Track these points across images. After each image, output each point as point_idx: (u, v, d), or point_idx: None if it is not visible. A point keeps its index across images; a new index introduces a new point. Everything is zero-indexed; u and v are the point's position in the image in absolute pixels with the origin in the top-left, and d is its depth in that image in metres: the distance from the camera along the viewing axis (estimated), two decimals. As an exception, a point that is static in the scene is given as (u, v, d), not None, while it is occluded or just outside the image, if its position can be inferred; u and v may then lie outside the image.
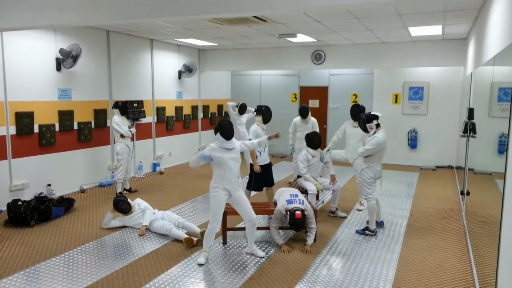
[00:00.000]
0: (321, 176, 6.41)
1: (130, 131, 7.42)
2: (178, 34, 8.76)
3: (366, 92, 11.12)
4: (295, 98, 12.16)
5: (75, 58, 7.08)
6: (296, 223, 4.79)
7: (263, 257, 4.74)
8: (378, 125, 5.37)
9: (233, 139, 4.59)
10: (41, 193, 6.71)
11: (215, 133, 4.55)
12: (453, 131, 9.91)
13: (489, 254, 3.55)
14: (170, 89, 10.21)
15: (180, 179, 8.88)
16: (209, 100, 11.82)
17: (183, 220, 5.58)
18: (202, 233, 4.99)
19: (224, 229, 5.15)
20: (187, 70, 10.44)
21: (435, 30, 7.73)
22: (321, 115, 11.52)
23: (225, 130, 4.49)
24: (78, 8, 4.62)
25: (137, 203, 5.80)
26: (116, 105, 7.39)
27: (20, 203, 5.88)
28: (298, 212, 4.75)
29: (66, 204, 6.39)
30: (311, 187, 5.95)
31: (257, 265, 4.56)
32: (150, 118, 9.45)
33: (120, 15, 4.49)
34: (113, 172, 8.13)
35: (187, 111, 10.84)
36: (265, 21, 6.89)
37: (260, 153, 6.12)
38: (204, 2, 4.09)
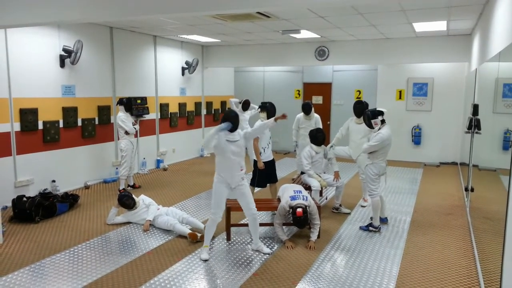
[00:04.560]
0: (324, 173, 6.41)
1: (134, 128, 7.43)
2: (181, 31, 8.75)
3: (370, 88, 11.09)
4: (299, 94, 12.14)
5: (79, 55, 7.11)
6: (298, 221, 4.80)
7: (268, 254, 4.75)
8: (383, 121, 5.35)
9: (237, 132, 4.56)
10: (45, 189, 6.75)
11: (221, 123, 4.53)
12: (458, 127, 9.88)
13: (494, 250, 3.55)
14: (173, 85, 10.22)
15: (183, 176, 8.90)
16: (213, 97, 11.82)
17: (187, 215, 5.59)
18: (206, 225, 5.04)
19: (228, 225, 5.17)
20: (191, 66, 10.45)
21: (440, 25, 7.69)
22: (325, 111, 11.50)
23: (230, 121, 4.46)
24: (81, 4, 4.62)
25: (142, 199, 5.83)
26: (121, 101, 7.40)
27: (25, 199, 5.92)
28: (299, 210, 4.75)
29: (70, 200, 6.42)
30: (314, 183, 5.95)
31: (261, 261, 4.57)
32: (153, 115, 9.47)
33: (124, 11, 4.49)
34: (117, 168, 8.16)
35: (190, 107, 10.84)
36: (268, 17, 6.87)
37: (264, 149, 6.12)
38: (208, -2, 4.08)
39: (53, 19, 4.93)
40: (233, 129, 4.50)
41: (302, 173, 6.40)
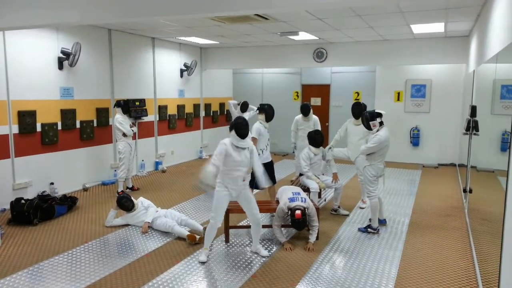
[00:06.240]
0: (323, 174, 6.41)
1: (132, 130, 7.42)
2: (179, 33, 8.76)
3: (368, 90, 11.11)
4: (297, 96, 12.16)
5: (78, 57, 7.12)
6: (297, 223, 4.81)
7: (266, 257, 4.74)
8: (381, 123, 5.36)
9: (247, 139, 4.50)
10: (44, 192, 6.74)
11: (230, 130, 4.48)
12: (456, 128, 9.89)
13: (492, 251, 3.55)
14: (172, 87, 10.22)
15: (182, 178, 8.89)
16: (211, 99, 11.82)
17: (186, 217, 5.59)
18: (206, 230, 5.03)
19: (227, 227, 5.16)
20: (189, 68, 10.47)
21: (438, 27, 7.71)
22: (323, 113, 11.51)
23: (241, 128, 4.40)
24: (80, 6, 4.63)
25: (140, 201, 5.82)
26: (118, 103, 7.40)
27: (23, 201, 5.90)
28: (297, 212, 4.75)
29: (69, 202, 6.41)
30: (313, 185, 5.95)
31: (259, 263, 4.57)
32: (152, 117, 9.46)
33: (122, 13, 4.49)
34: (115, 170, 8.14)
35: (189, 109, 10.84)
36: (267, 19, 6.88)
37: (262, 151, 6.13)
38: (206, 1, 4.09)
39: (52, 21, 4.93)
40: (244, 136, 4.43)
41: (301, 174, 6.40)
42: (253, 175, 6.04)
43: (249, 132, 4.56)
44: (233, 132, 4.44)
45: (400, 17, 6.75)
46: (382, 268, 4.44)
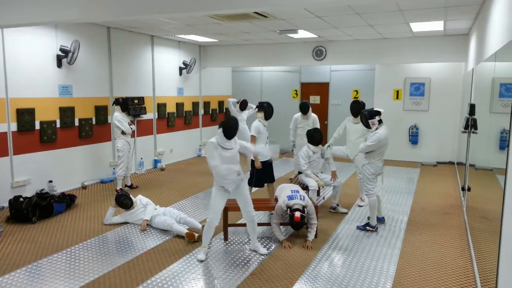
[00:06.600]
0: (322, 172, 6.42)
1: (131, 128, 7.42)
2: (178, 30, 8.74)
3: (367, 88, 11.10)
4: (296, 94, 12.15)
5: (76, 55, 7.11)
6: (295, 224, 4.83)
7: (265, 255, 4.75)
8: (380, 121, 5.36)
9: (233, 140, 4.52)
10: (42, 190, 6.73)
11: (219, 127, 4.50)
12: (454, 127, 9.90)
13: (490, 249, 3.56)
14: (171, 85, 10.21)
15: (181, 176, 8.89)
16: (210, 97, 11.81)
17: (185, 215, 5.59)
18: (203, 228, 5.04)
19: (225, 225, 5.17)
20: (188, 66, 10.46)
21: (437, 25, 7.71)
22: (322, 111, 11.51)
23: (229, 128, 4.41)
24: (80, 4, 4.62)
25: (139, 199, 5.82)
26: (117, 101, 7.39)
27: (21, 199, 5.89)
28: (297, 215, 4.75)
29: (67, 200, 6.40)
30: (312, 183, 5.96)
31: (258, 261, 4.57)
32: (151, 115, 9.46)
33: (121, 11, 4.49)
34: (114, 168, 8.14)
35: (188, 107, 10.84)
36: (266, 17, 6.87)
37: (261, 149, 6.12)
38: (205, -2, 4.09)
39: (51, 19, 4.92)
40: (230, 136, 4.46)
41: (300, 173, 6.40)
42: (251, 173, 6.07)
43: (239, 133, 4.57)
44: (220, 130, 4.44)
45: (399, 15, 6.75)
46: (380, 266, 4.45)
